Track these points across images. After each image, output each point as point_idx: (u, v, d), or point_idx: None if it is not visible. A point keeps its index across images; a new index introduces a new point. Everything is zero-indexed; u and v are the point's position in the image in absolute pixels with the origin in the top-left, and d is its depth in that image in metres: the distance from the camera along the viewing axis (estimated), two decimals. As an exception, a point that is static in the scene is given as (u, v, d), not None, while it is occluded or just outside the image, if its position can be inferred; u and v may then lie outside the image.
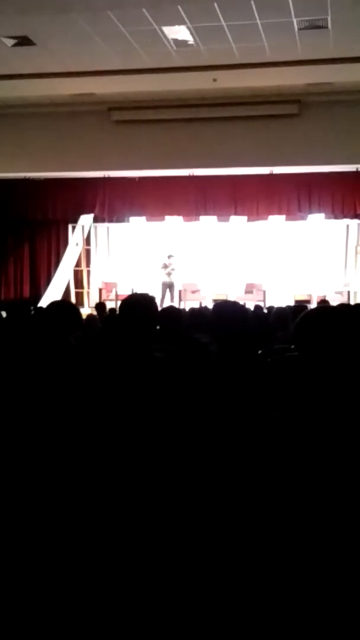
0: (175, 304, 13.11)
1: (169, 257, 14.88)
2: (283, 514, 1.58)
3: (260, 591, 1.61)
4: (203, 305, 12.45)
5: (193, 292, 14.76)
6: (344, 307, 3.46)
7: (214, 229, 15.93)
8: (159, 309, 3.34)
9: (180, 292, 14.55)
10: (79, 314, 3.89)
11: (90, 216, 16.07)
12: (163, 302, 14.02)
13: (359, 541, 1.46)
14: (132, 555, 2.07)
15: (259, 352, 4.00)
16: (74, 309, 3.86)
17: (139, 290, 13.46)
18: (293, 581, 1.65)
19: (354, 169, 14.18)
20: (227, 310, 2.91)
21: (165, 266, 14.73)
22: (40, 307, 7.55)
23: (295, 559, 1.57)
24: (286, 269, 15.50)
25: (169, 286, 14.71)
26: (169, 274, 14.72)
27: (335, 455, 1.57)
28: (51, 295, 14.53)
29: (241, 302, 12.62)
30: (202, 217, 15.67)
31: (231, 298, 14.24)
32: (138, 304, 3.03)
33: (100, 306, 10.95)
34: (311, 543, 1.56)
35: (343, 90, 12.70)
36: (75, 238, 16.05)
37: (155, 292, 13.78)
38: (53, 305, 3.90)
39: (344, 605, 1.52)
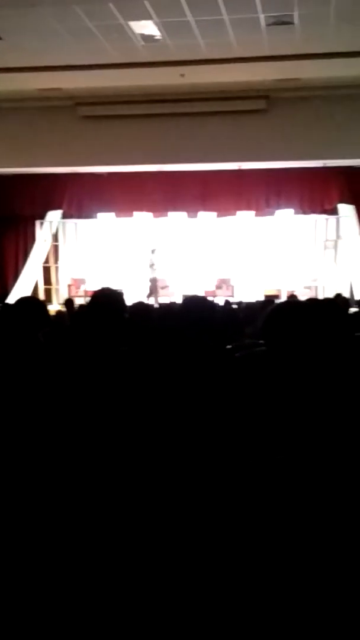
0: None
1: (153, 251, 14.88)
2: (252, 505, 1.58)
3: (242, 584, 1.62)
4: (173, 300, 12.46)
5: (163, 287, 14.76)
6: (312, 302, 3.49)
7: (183, 225, 15.93)
8: (154, 305, 3.33)
9: (149, 287, 14.53)
10: (47, 311, 3.86)
11: (59, 212, 15.98)
12: (150, 298, 13.98)
13: (329, 532, 1.46)
14: (122, 557, 2.06)
15: (228, 347, 4.01)
16: (41, 306, 3.83)
17: (108, 286, 13.40)
18: (266, 573, 1.66)
19: (322, 165, 14.27)
20: (195, 305, 2.90)
21: (151, 265, 14.77)
22: (8, 304, 7.49)
23: (275, 555, 1.57)
24: (255, 264, 15.58)
25: (154, 281, 14.71)
26: (153, 270, 14.74)
27: (303, 449, 1.58)
28: (19, 291, 14.43)
29: (211, 298, 12.64)
30: (171, 213, 15.66)
31: (201, 293, 14.28)
32: (107, 298, 3.02)
33: (69, 302, 10.89)
34: (284, 536, 1.57)
35: (310, 86, 12.75)
36: (43, 234, 15.96)
37: (128, 288, 13.76)
38: (20, 301, 3.86)
39: (327, 601, 1.53)
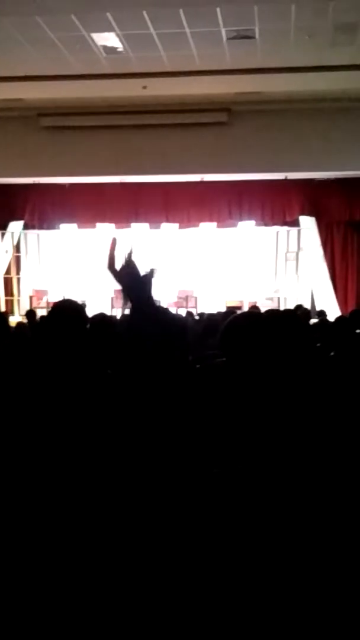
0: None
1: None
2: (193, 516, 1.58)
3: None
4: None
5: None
6: (271, 313, 3.52)
7: (146, 236, 15.94)
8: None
9: (112, 299, 14.48)
10: (6, 323, 3.82)
11: (20, 223, 15.86)
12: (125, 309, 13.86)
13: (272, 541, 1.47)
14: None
15: (190, 358, 4.01)
16: (1, 317, 3.79)
17: (71, 297, 13.35)
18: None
19: (283, 177, 14.42)
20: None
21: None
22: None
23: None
24: (218, 275, 15.64)
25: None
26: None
27: (259, 460, 1.58)
28: (-20, 303, 14.28)
29: (173, 309, 12.66)
30: (133, 224, 15.65)
31: (163, 305, 14.27)
32: (67, 310, 2.99)
33: (30, 314, 10.80)
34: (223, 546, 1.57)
35: (271, 100, 12.90)
36: (4, 245, 15.81)
37: (91, 299, 13.72)
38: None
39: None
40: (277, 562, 1.47)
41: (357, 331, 5.44)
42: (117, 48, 10.78)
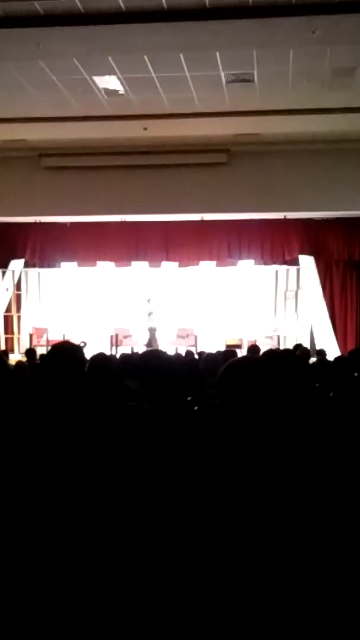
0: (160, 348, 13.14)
1: (149, 300, 14.94)
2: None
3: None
4: (135, 351, 12.44)
5: (125, 337, 14.74)
6: (270, 354, 3.53)
7: (146, 275, 16.03)
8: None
9: (111, 337, 14.50)
10: (6, 363, 3.83)
11: (21, 261, 15.95)
12: (152, 347, 13.97)
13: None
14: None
15: (189, 398, 4.01)
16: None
17: (71, 336, 13.38)
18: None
19: (282, 216, 14.55)
20: (153, 360, 2.91)
21: (149, 313, 14.82)
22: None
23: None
24: (217, 314, 15.68)
25: (152, 330, 14.75)
26: (151, 319, 14.80)
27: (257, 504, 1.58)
28: (-20, 341, 14.28)
29: (173, 347, 12.64)
30: (133, 263, 15.75)
31: (163, 343, 14.29)
32: (64, 350, 3.00)
33: (30, 352, 10.78)
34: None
35: (269, 141, 13.08)
36: (5, 283, 15.88)
37: (91, 338, 13.74)
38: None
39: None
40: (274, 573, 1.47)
41: (356, 374, 5.44)
42: (118, 90, 10.96)
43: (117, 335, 14.52)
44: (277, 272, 15.86)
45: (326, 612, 1.41)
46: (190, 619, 1.41)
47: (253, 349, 9.91)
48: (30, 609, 2.05)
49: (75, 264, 15.90)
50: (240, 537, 1.36)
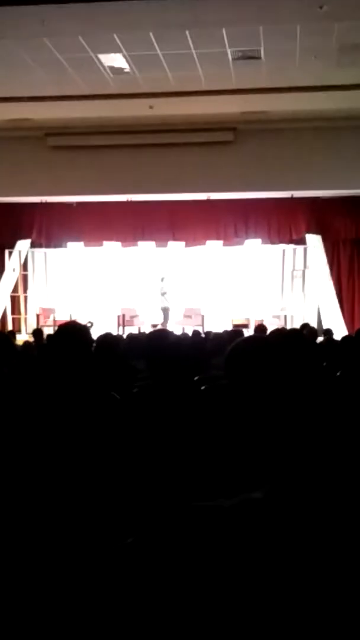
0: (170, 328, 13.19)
1: (162, 279, 14.95)
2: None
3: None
4: (142, 331, 12.45)
5: (132, 317, 14.76)
6: (277, 334, 3.52)
7: (152, 254, 16.00)
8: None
9: (118, 317, 14.51)
10: (12, 343, 3.84)
11: (27, 241, 15.94)
12: (166, 326, 14.03)
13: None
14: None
15: (195, 378, 4.01)
16: (6, 339, 3.80)
17: (78, 316, 13.40)
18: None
19: (289, 195, 14.47)
20: (159, 340, 2.91)
21: (163, 293, 14.86)
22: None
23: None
24: (224, 293, 15.66)
25: (166, 310, 14.81)
26: (165, 299, 14.85)
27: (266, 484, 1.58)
28: (-13, 321, 14.32)
29: (180, 327, 12.62)
30: (140, 242, 15.72)
31: (170, 323, 14.30)
32: (70, 331, 3.00)
33: (37, 332, 10.79)
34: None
35: (277, 119, 12.98)
36: (12, 263, 15.88)
37: (97, 317, 13.77)
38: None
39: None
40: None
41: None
42: (124, 69, 10.88)
43: (124, 315, 14.53)
44: (284, 251, 15.81)
45: (326, 611, 1.41)
46: (190, 618, 1.42)
47: (260, 328, 9.91)
48: (29, 603, 2.05)
49: (81, 244, 15.88)
50: (247, 518, 1.36)
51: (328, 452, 1.62)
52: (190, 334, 8.85)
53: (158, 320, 14.61)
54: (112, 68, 10.88)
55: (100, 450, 2.36)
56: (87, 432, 2.44)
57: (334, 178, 13.45)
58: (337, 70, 10.82)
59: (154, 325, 13.34)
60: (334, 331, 11.09)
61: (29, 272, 16.30)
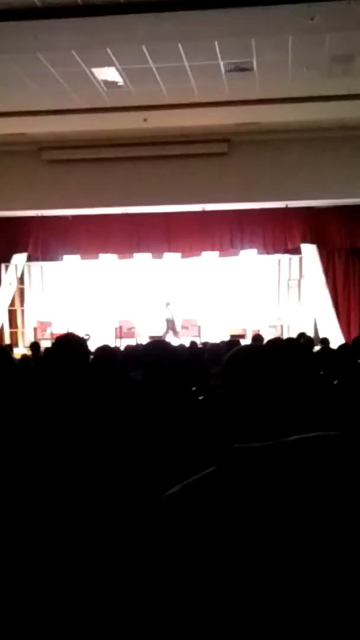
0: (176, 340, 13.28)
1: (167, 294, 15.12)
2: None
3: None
4: (139, 342, 12.46)
5: (129, 329, 14.77)
6: (273, 343, 3.53)
7: (149, 266, 16.03)
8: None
9: (116, 329, 14.53)
10: (10, 356, 3.85)
11: (24, 255, 15.96)
12: (165, 336, 14.13)
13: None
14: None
15: (193, 388, 4.03)
16: (4, 352, 3.81)
17: (75, 328, 13.41)
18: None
19: (284, 206, 14.53)
20: (157, 351, 2.92)
21: (167, 303, 14.92)
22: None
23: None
24: (221, 304, 15.68)
25: (169, 321, 14.87)
26: (169, 310, 14.93)
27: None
28: (-16, 335, 14.31)
29: (177, 338, 12.61)
30: (136, 254, 15.75)
31: (168, 334, 14.32)
32: (68, 343, 3.02)
33: (34, 346, 10.82)
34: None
35: (270, 130, 13.04)
36: (8, 277, 15.89)
37: (94, 330, 13.78)
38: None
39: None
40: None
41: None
42: (117, 82, 10.94)
43: (121, 328, 14.55)
44: (279, 261, 15.84)
45: (326, 611, 1.42)
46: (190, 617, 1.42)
47: (257, 338, 9.94)
48: (29, 601, 2.06)
49: (77, 256, 15.90)
50: (245, 525, 1.37)
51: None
52: (187, 345, 8.86)
53: (161, 331, 14.63)
54: (105, 82, 10.93)
55: (99, 460, 2.37)
56: (85, 444, 2.44)
57: (328, 188, 13.51)
58: (329, 80, 10.90)
59: (151, 337, 13.36)
60: (330, 340, 11.12)
61: (26, 286, 16.32)
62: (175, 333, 14.59)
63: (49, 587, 2.09)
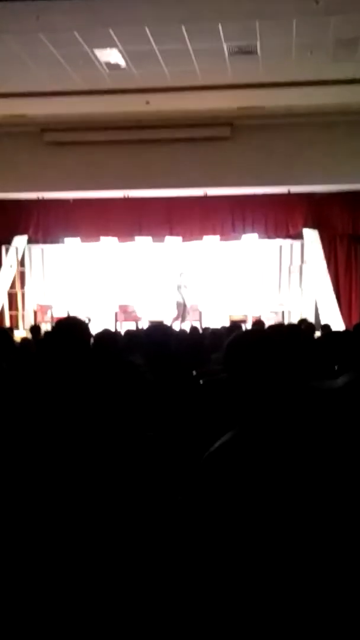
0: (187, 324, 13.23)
1: (181, 275, 14.89)
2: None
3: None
4: (139, 326, 12.45)
5: (129, 312, 14.75)
6: (275, 329, 3.52)
7: (149, 250, 15.98)
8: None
9: (116, 313, 14.50)
10: (11, 339, 3.84)
11: (24, 237, 15.90)
12: (178, 321, 14.06)
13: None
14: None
15: (194, 373, 4.02)
16: (5, 334, 3.80)
17: (75, 312, 13.40)
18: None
19: (286, 191, 14.46)
20: (157, 334, 2.91)
21: (179, 287, 14.78)
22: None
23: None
24: (222, 289, 15.66)
25: (183, 305, 14.73)
26: (181, 293, 14.76)
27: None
28: (-15, 318, 14.30)
29: (177, 323, 12.59)
30: (137, 238, 15.69)
31: (168, 319, 14.30)
32: (69, 326, 3.01)
33: (35, 329, 10.80)
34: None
35: (273, 114, 12.96)
36: (9, 260, 15.84)
37: (95, 313, 13.77)
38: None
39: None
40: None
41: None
42: (119, 64, 10.86)
43: (121, 311, 14.53)
44: (281, 246, 15.79)
45: (326, 611, 1.42)
46: (189, 617, 1.43)
47: (258, 323, 9.92)
48: (29, 601, 2.06)
49: (78, 239, 15.85)
50: (244, 516, 1.37)
51: (327, 442, 1.63)
52: (187, 330, 8.85)
53: (172, 315, 14.54)
54: (108, 63, 10.86)
55: (100, 443, 2.37)
56: (86, 426, 2.44)
57: (331, 173, 13.44)
58: (333, 64, 10.83)
59: (151, 321, 13.33)
60: (331, 326, 11.10)
61: (26, 268, 16.26)
62: (184, 318, 14.49)
63: (50, 571, 2.09)
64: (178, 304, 14.75)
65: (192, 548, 1.49)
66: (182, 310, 14.70)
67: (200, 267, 15.90)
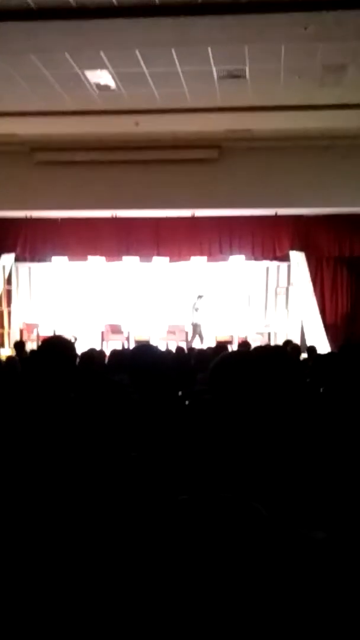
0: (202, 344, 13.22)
1: (199, 297, 14.93)
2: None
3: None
4: (126, 346, 12.45)
5: (116, 332, 14.74)
6: (260, 350, 3.54)
7: (137, 269, 16.02)
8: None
9: (102, 332, 14.49)
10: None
11: (12, 256, 15.90)
12: (192, 342, 14.07)
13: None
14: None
15: (179, 393, 4.02)
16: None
17: (62, 331, 13.37)
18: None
19: (273, 213, 14.57)
20: (144, 355, 2.92)
21: (196, 308, 14.82)
22: None
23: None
24: (208, 310, 15.69)
25: (196, 326, 14.76)
26: (196, 314, 14.81)
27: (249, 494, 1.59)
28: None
29: (164, 343, 12.62)
30: (124, 257, 15.73)
31: (154, 339, 14.31)
32: (55, 345, 3.01)
33: (18, 345, 10.74)
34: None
35: (261, 137, 13.08)
36: (-4, 278, 15.82)
37: (81, 332, 13.75)
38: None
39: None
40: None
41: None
42: (110, 85, 10.93)
43: (107, 330, 14.52)
44: (267, 268, 15.88)
45: (326, 611, 1.42)
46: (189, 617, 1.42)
47: (244, 345, 9.95)
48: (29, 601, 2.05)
49: (66, 258, 15.87)
50: (232, 530, 1.37)
51: (313, 463, 1.64)
52: (174, 350, 8.86)
53: (189, 336, 14.61)
54: (98, 85, 10.93)
55: (83, 463, 2.36)
56: (70, 445, 2.43)
57: (318, 196, 13.57)
58: (320, 90, 10.95)
59: (138, 341, 13.32)
60: (317, 348, 11.14)
61: (13, 287, 16.25)
62: (202, 338, 14.52)
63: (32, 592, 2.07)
64: (194, 325, 14.80)
65: (172, 568, 1.49)
66: (199, 331, 14.75)
67: (187, 287, 15.94)
